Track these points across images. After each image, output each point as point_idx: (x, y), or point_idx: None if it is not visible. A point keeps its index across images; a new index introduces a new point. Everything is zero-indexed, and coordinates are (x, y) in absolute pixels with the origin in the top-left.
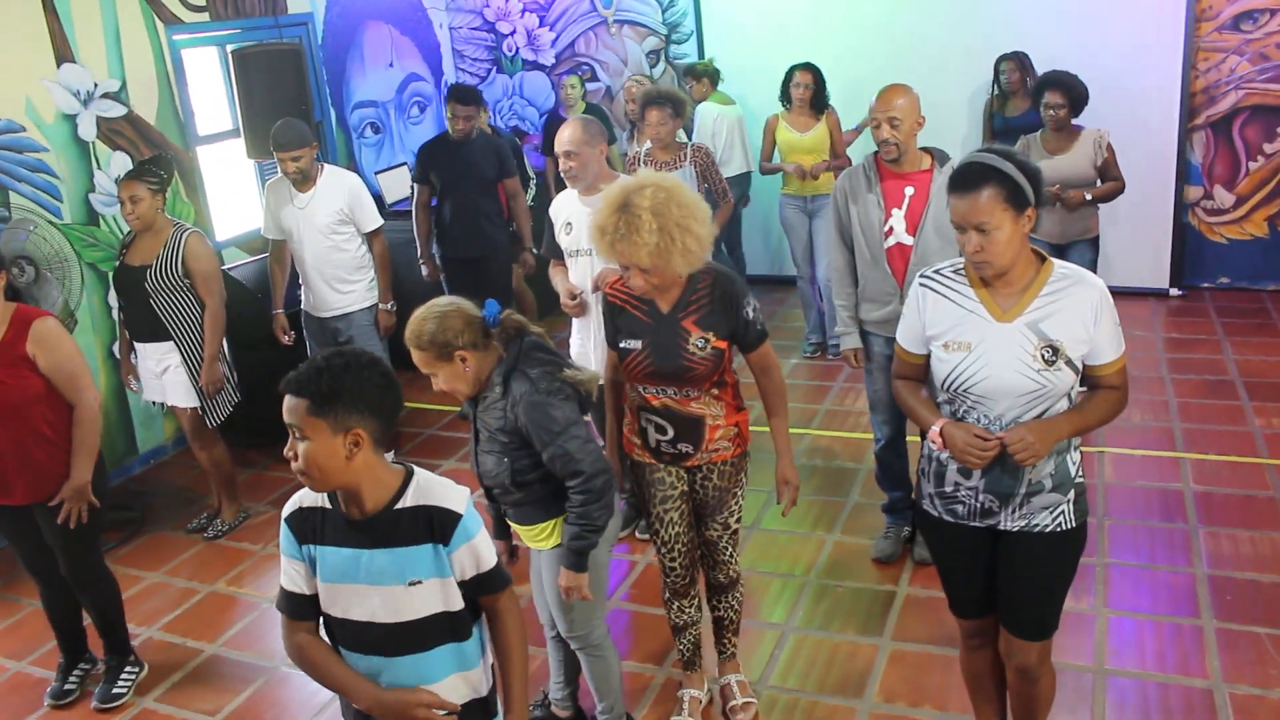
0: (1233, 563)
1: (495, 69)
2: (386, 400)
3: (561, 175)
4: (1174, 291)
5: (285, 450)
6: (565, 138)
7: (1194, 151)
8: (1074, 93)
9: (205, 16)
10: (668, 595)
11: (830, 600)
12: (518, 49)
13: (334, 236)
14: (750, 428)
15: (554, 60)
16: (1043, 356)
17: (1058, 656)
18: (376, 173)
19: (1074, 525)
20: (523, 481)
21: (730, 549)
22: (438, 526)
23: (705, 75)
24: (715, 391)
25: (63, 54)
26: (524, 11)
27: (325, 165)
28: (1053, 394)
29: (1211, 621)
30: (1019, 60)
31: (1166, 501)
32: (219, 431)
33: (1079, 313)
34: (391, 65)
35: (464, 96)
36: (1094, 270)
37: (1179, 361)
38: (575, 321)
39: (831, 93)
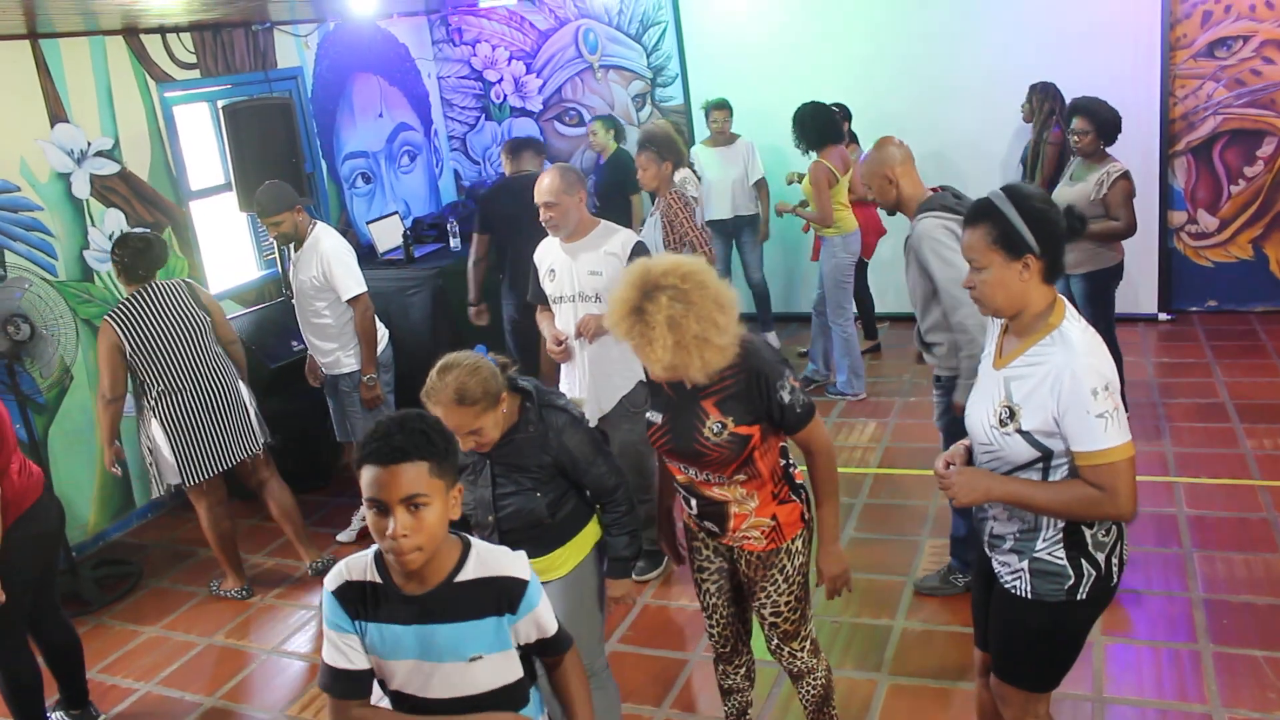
0: (1228, 586)
1: (484, 116)
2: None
3: (542, 224)
4: (1163, 316)
5: (386, 530)
6: (544, 187)
7: (1176, 177)
8: (1098, 118)
9: (196, 73)
10: (714, 656)
11: (828, 634)
12: (505, 96)
13: (316, 302)
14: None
15: (542, 106)
16: (1000, 416)
17: None
18: (368, 222)
19: (1029, 598)
20: (556, 512)
21: (779, 641)
22: (504, 597)
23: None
24: (741, 478)
25: (56, 114)
26: (511, 59)
27: (316, 226)
28: (1004, 458)
29: (1209, 646)
30: (1041, 92)
31: (1161, 526)
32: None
33: (1044, 383)
34: (381, 115)
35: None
36: (1089, 301)
37: (1170, 386)
38: (563, 367)
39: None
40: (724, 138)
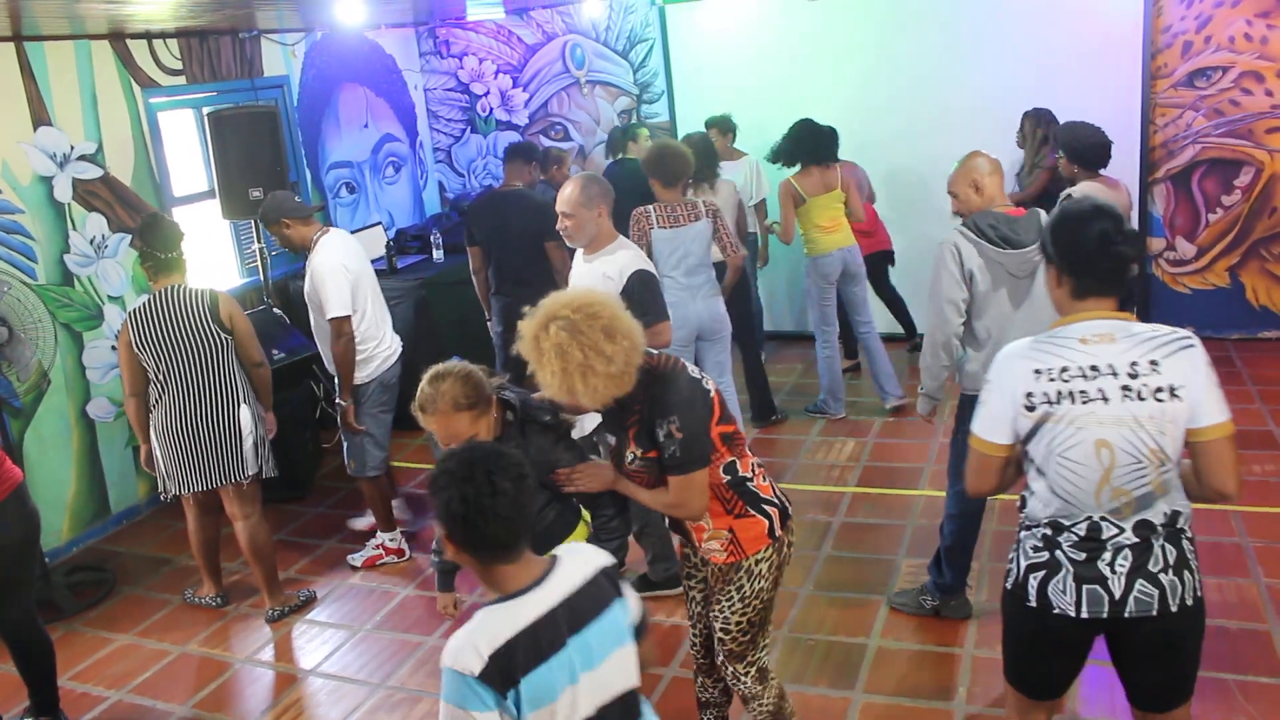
0: None
1: (470, 129)
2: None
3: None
4: None
5: None
6: (564, 196)
7: (1155, 204)
8: (1071, 146)
9: (182, 80)
10: (694, 669)
11: (802, 653)
12: (491, 110)
13: (314, 314)
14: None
15: (528, 120)
16: None
17: None
18: (352, 232)
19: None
20: (537, 523)
21: (724, 657)
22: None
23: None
24: None
25: (40, 117)
26: (497, 73)
27: (322, 237)
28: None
29: None
30: (1035, 118)
31: None
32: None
33: None
34: (366, 126)
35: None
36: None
37: None
38: None
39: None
40: (725, 155)
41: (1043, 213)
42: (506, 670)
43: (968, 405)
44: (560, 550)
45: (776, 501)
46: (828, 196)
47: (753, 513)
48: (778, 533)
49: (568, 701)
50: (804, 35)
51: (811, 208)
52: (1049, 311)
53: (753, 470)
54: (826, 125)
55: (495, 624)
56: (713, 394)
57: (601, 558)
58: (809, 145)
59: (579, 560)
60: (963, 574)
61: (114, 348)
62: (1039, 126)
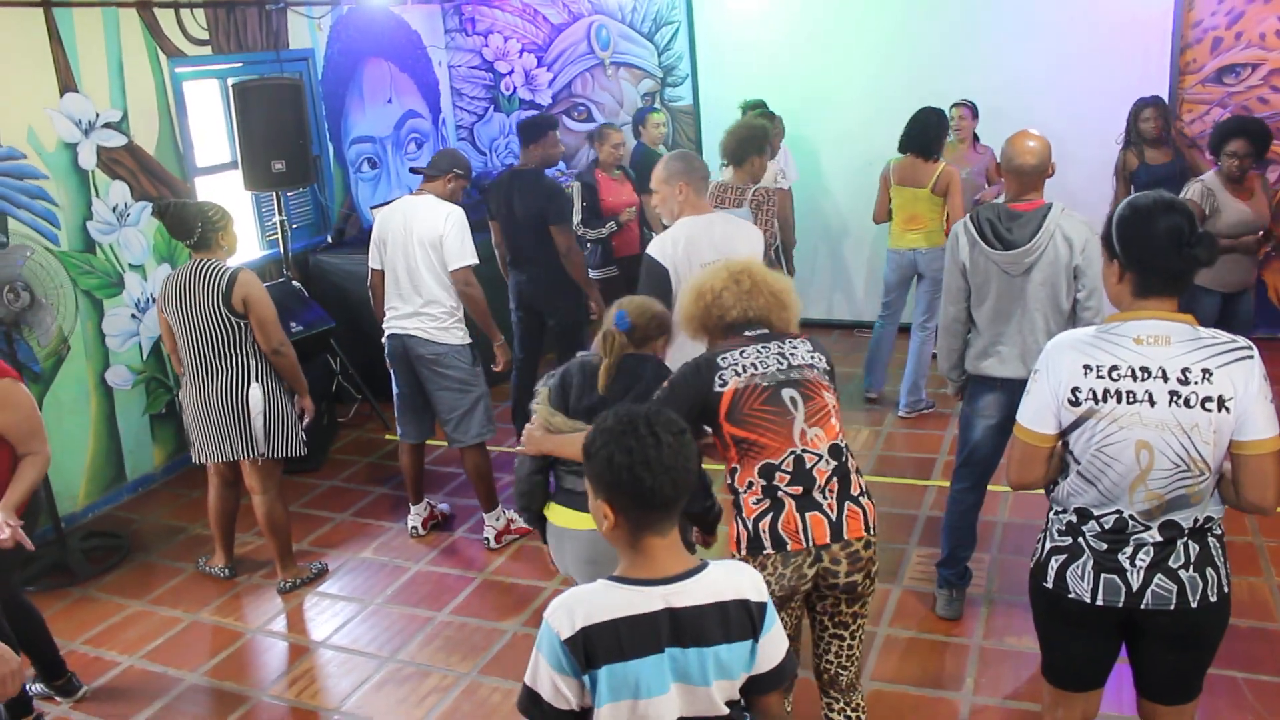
0: None
1: (493, 108)
2: None
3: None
4: None
5: None
6: (654, 172)
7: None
8: (1260, 140)
9: (208, 50)
10: None
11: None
12: (515, 89)
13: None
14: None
15: (551, 100)
16: None
17: (1023, 696)
18: (372, 207)
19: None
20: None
21: None
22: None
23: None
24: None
25: (66, 83)
26: (522, 52)
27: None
28: None
29: None
30: (1159, 107)
31: None
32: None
33: None
34: (390, 102)
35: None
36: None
37: None
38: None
39: (826, 132)
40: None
41: (1059, 206)
42: (591, 649)
43: (972, 385)
44: (716, 563)
45: (749, 528)
46: (912, 191)
47: (736, 520)
48: (741, 552)
49: (653, 707)
50: (827, 20)
51: (895, 196)
52: (1039, 314)
53: (748, 487)
54: (937, 113)
55: (604, 599)
56: (725, 390)
57: (751, 590)
58: (909, 130)
59: (726, 580)
60: (956, 567)
61: (133, 315)
62: (1159, 118)
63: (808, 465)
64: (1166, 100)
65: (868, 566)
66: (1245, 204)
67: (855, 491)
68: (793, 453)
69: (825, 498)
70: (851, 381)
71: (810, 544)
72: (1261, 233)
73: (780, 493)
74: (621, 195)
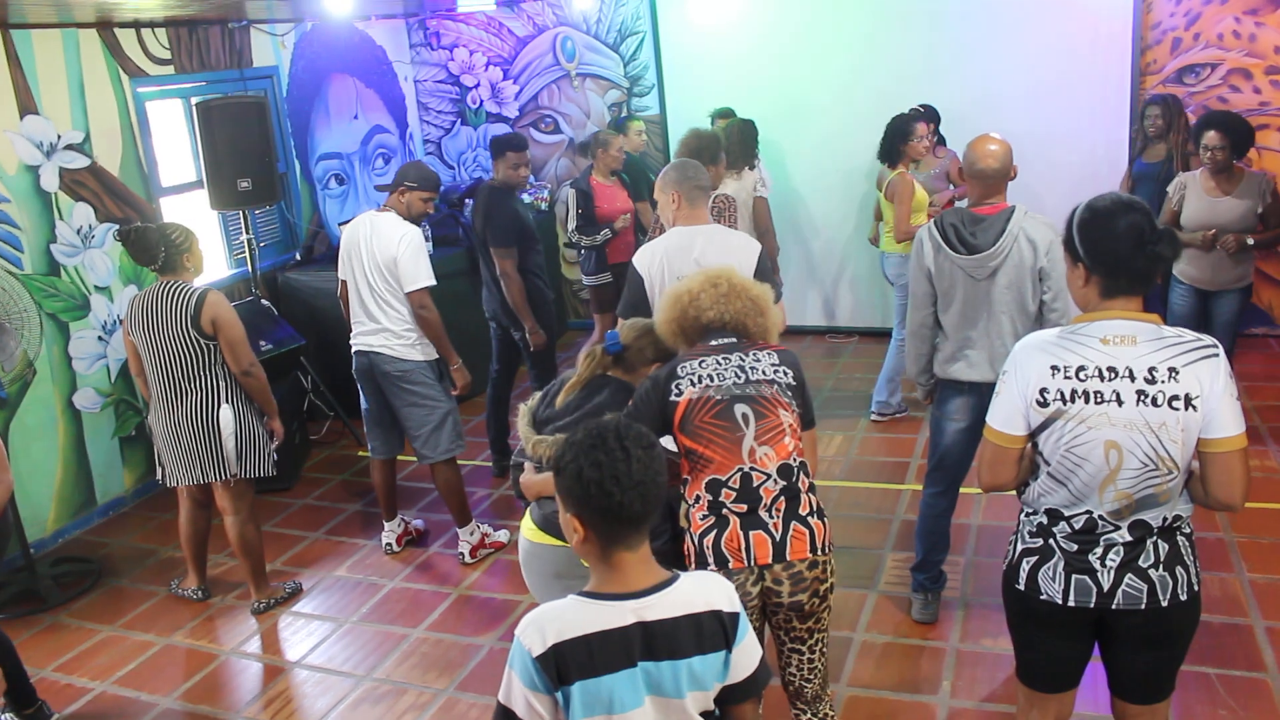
0: None
1: (460, 121)
2: None
3: None
4: None
5: None
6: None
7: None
8: (1235, 133)
9: (170, 69)
10: None
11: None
12: (482, 102)
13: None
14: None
15: (518, 113)
16: None
17: (1000, 699)
18: (340, 224)
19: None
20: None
21: None
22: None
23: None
24: None
25: (26, 105)
26: (488, 65)
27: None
28: None
29: None
30: (1164, 106)
31: None
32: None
33: None
34: (356, 118)
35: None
36: (1238, 320)
37: None
38: None
39: (796, 142)
40: None
41: (1022, 209)
42: (563, 665)
43: (941, 389)
44: (687, 575)
45: (695, 543)
46: (881, 196)
47: (685, 535)
48: (691, 567)
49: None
50: (794, 29)
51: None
52: (1006, 317)
53: (696, 501)
54: (898, 120)
55: (574, 615)
56: (680, 400)
57: (723, 600)
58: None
59: (697, 591)
60: (931, 571)
61: (100, 338)
62: (1162, 117)
63: (755, 483)
64: (1168, 101)
65: (815, 586)
66: (1229, 199)
67: (804, 511)
68: (740, 470)
69: (771, 517)
70: (823, 389)
71: (752, 563)
72: (1213, 232)
73: (725, 509)
74: (617, 202)
